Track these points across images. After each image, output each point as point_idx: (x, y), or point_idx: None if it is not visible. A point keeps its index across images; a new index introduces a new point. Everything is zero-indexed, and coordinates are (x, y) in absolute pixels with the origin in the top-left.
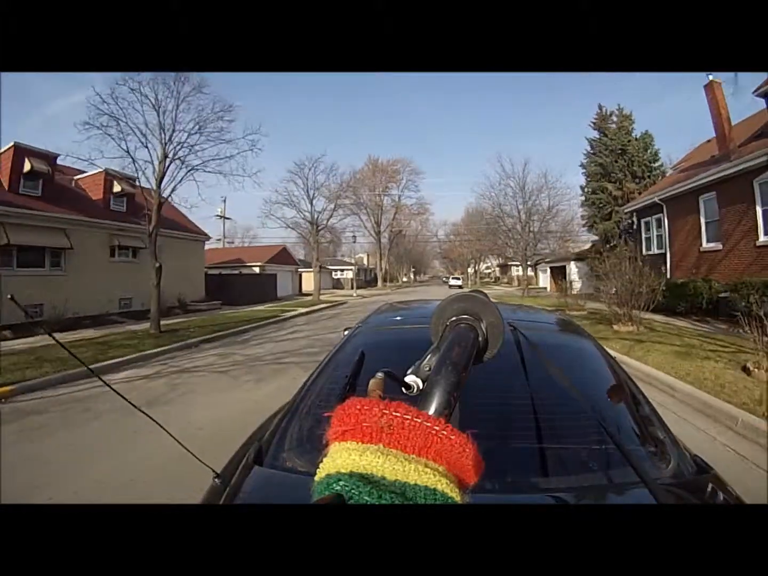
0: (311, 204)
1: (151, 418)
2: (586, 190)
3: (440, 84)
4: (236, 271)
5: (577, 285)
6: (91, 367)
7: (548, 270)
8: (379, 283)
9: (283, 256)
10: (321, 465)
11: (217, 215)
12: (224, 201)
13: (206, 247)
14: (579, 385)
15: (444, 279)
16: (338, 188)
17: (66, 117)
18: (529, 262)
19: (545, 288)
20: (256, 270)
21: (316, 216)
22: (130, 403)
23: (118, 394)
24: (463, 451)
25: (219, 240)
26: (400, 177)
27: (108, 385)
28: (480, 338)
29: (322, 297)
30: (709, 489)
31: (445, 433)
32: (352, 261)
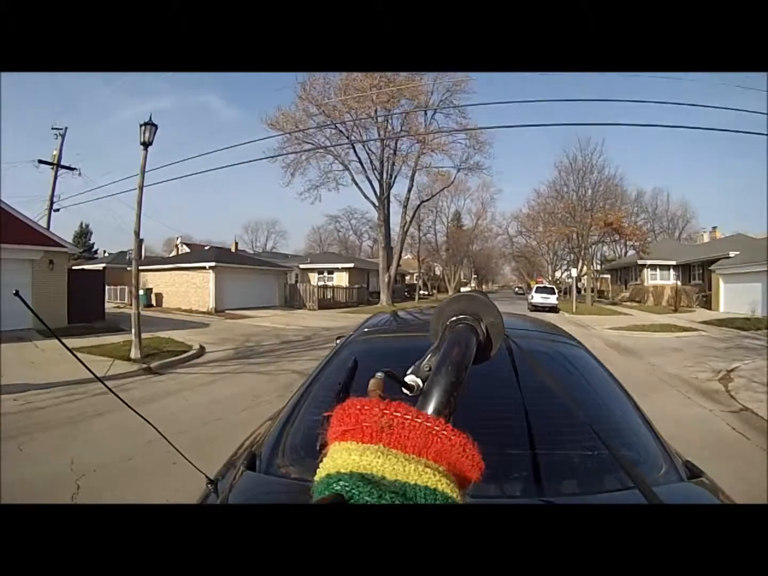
0: None
1: (149, 423)
2: None
3: None
4: None
5: None
6: None
7: None
8: (383, 297)
9: None
10: (321, 465)
11: (44, 161)
12: (61, 135)
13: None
14: (571, 392)
15: (517, 289)
16: None
17: None
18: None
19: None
20: None
21: None
22: (130, 408)
23: (119, 398)
24: (464, 452)
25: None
26: (426, 93)
27: (110, 390)
28: (480, 338)
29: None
30: (701, 493)
31: (445, 433)
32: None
